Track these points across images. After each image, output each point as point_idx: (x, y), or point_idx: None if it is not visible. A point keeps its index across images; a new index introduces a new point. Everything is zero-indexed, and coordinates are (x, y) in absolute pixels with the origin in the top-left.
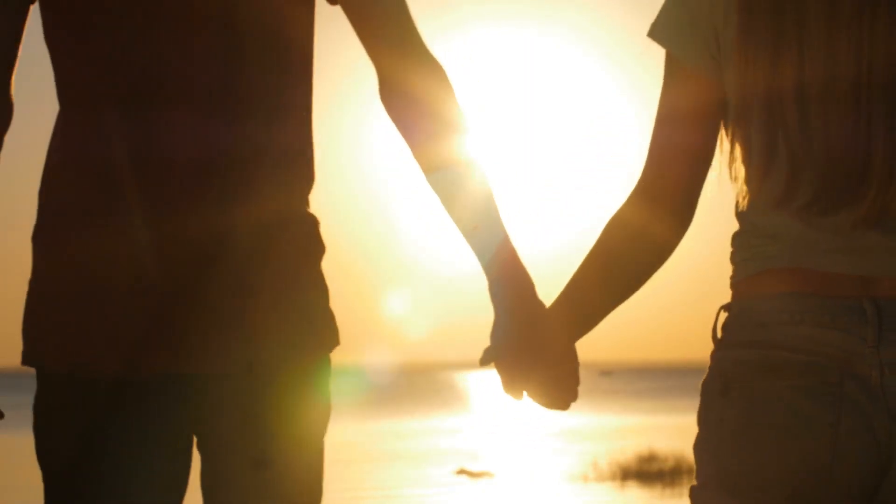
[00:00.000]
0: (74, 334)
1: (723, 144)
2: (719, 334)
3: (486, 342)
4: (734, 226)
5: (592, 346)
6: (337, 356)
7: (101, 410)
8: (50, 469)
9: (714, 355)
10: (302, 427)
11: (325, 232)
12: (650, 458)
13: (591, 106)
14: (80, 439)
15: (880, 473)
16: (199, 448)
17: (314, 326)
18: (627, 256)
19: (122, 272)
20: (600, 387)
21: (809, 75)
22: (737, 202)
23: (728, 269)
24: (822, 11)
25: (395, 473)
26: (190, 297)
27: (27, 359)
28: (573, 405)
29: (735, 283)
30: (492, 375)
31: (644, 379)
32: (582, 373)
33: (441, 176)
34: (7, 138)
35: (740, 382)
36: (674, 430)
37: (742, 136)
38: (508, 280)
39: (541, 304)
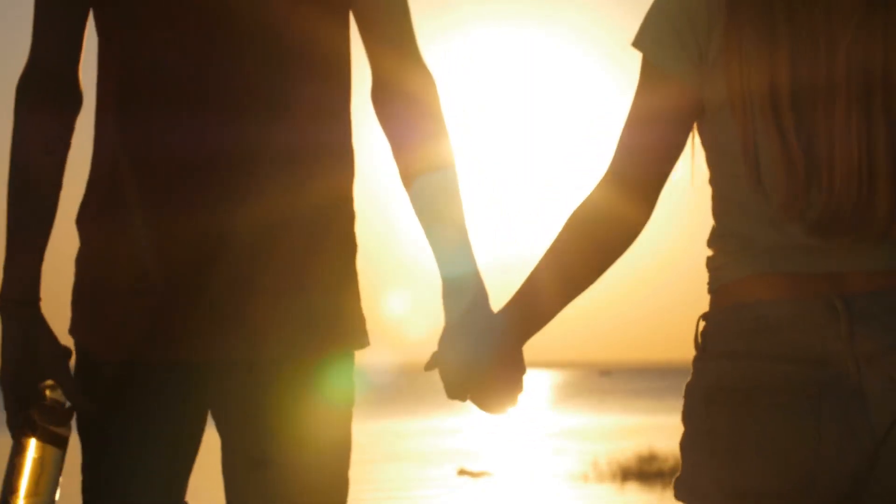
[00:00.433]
0: (86, 328)
1: (693, 148)
2: (699, 342)
3: None
4: None
5: (591, 347)
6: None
7: (103, 405)
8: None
9: (696, 365)
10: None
11: None
12: (650, 458)
13: (592, 106)
14: (83, 431)
15: (866, 471)
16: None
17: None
18: (592, 244)
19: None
20: (599, 387)
21: (801, 81)
22: (712, 207)
23: None
24: (814, 14)
25: (395, 473)
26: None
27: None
28: (573, 405)
29: (712, 290)
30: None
31: (643, 379)
32: (581, 373)
33: (419, 181)
34: (6, 139)
35: (721, 404)
36: (674, 430)
37: (724, 142)
38: (461, 286)
39: (491, 313)
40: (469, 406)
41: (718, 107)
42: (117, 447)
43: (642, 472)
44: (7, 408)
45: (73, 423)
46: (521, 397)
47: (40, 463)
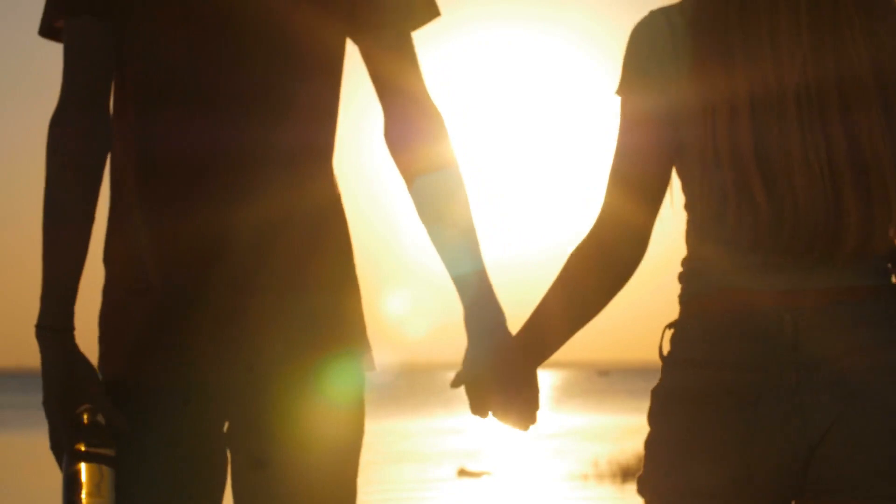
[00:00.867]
0: (102, 346)
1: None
2: (665, 350)
3: None
4: None
5: (591, 347)
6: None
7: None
8: None
9: (663, 370)
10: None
11: None
12: None
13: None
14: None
15: (801, 472)
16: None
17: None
18: (602, 258)
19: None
20: (598, 387)
21: (758, 98)
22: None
23: None
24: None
25: (395, 473)
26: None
27: None
28: (573, 405)
29: (681, 302)
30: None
31: (642, 379)
32: (580, 373)
33: (432, 203)
34: (7, 139)
35: (677, 408)
36: None
37: (693, 176)
38: (483, 312)
39: (509, 334)
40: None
41: (694, 139)
42: (136, 475)
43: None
44: (52, 431)
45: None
46: (538, 414)
47: (95, 484)
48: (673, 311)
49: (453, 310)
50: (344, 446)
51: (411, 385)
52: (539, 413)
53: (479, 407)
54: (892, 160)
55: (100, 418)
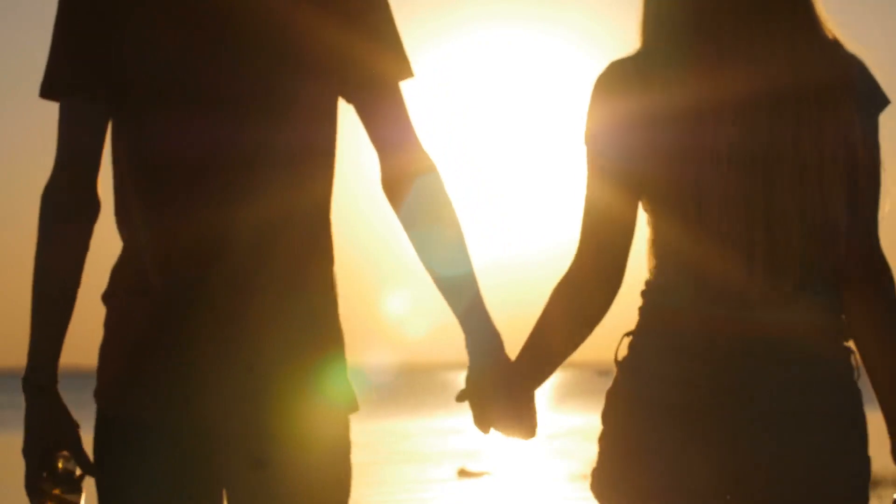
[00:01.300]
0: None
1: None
2: (621, 356)
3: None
4: None
5: (590, 347)
6: None
7: (103, 418)
8: None
9: (619, 374)
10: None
11: None
12: None
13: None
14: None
15: (731, 479)
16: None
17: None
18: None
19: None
20: (598, 387)
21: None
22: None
23: None
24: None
25: (396, 473)
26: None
27: None
28: (573, 405)
29: (640, 315)
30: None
31: None
32: (580, 373)
33: (429, 239)
34: (7, 139)
35: (628, 413)
36: None
37: (661, 210)
38: (482, 337)
39: (506, 357)
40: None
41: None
42: (137, 476)
43: None
44: (28, 474)
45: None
46: (539, 427)
47: None
48: None
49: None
50: (341, 445)
51: (411, 385)
52: (538, 425)
53: (482, 422)
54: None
55: (72, 466)
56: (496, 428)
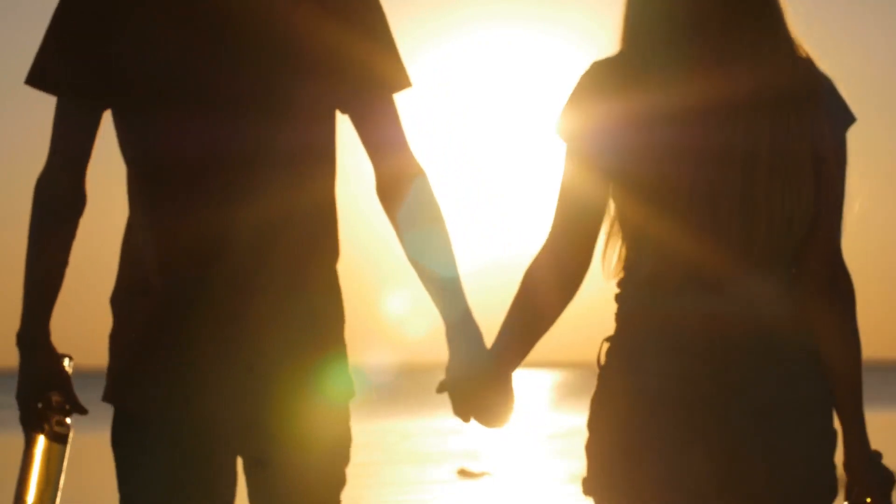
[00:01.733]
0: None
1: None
2: (603, 360)
3: (486, 341)
4: None
5: (591, 347)
6: None
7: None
8: None
9: (601, 380)
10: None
11: None
12: None
13: None
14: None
15: (724, 475)
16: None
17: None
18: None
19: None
20: None
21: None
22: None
23: None
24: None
25: (396, 473)
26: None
27: None
28: (573, 405)
29: (617, 320)
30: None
31: None
32: (580, 373)
33: (417, 237)
34: (7, 139)
35: (615, 416)
36: None
37: (636, 209)
38: (463, 331)
39: (485, 349)
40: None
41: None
42: (139, 474)
43: None
44: (22, 414)
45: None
46: (513, 414)
47: (46, 455)
48: None
49: None
50: (341, 445)
51: (411, 385)
52: (512, 412)
53: (461, 410)
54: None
55: (62, 403)
56: (474, 415)
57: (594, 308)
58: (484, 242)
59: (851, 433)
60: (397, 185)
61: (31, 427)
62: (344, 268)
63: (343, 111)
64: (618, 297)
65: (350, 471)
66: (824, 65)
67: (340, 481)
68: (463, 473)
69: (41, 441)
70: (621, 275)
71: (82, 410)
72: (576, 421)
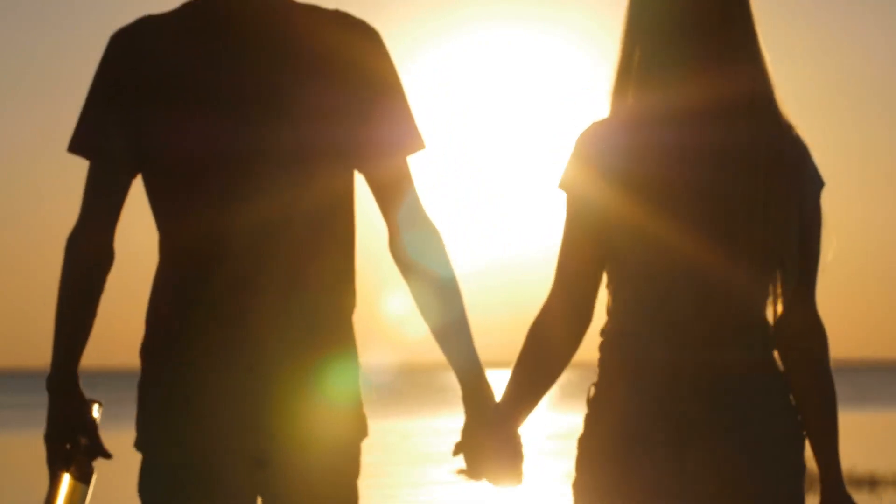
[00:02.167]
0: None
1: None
2: (590, 408)
3: (485, 341)
4: None
5: (591, 347)
6: None
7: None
8: None
9: (590, 424)
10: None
11: None
12: None
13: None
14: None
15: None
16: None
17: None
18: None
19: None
20: None
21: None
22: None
23: None
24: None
25: (395, 473)
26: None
27: None
28: (573, 405)
29: (604, 367)
30: (494, 375)
31: None
32: (580, 373)
33: (432, 308)
34: (7, 139)
35: (608, 458)
36: None
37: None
38: (478, 395)
39: (496, 407)
40: None
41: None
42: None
43: None
44: (48, 453)
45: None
46: (523, 473)
47: (70, 493)
48: None
49: None
50: (343, 446)
51: (411, 385)
52: (522, 471)
53: (474, 470)
54: None
55: (87, 448)
56: (486, 475)
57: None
58: (484, 242)
59: (829, 474)
60: (406, 252)
61: (57, 466)
62: None
63: (359, 171)
64: (601, 347)
65: None
66: (823, 65)
67: (347, 481)
68: (463, 473)
69: (66, 479)
70: (606, 324)
71: (107, 455)
72: (576, 421)
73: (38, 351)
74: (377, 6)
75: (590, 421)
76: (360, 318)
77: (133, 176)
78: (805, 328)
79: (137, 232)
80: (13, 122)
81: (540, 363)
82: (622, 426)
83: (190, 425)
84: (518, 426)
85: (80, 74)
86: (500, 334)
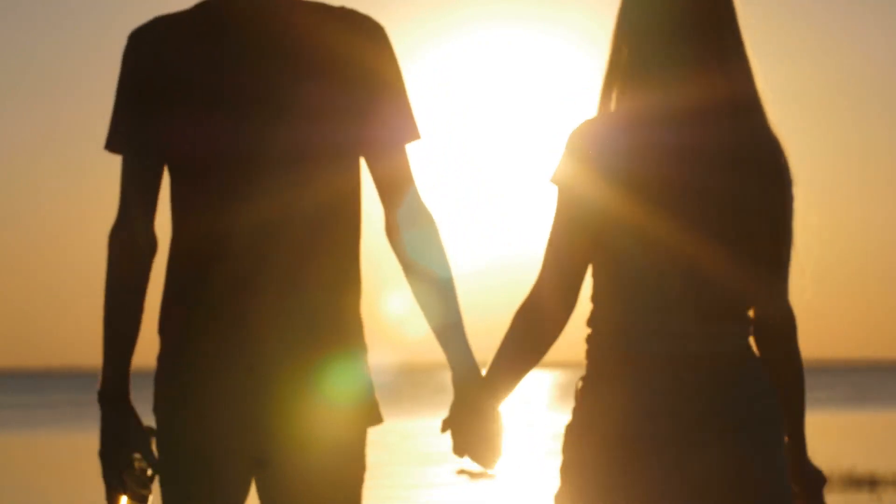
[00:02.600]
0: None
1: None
2: (578, 399)
3: (484, 341)
4: None
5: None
6: None
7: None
8: None
9: (577, 414)
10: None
11: None
12: None
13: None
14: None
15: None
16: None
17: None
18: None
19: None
20: None
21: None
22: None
23: None
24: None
25: (395, 473)
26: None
27: None
28: (573, 405)
29: (591, 359)
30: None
31: None
32: (579, 373)
33: (424, 290)
34: (7, 139)
35: (593, 447)
36: None
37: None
38: (467, 375)
39: (480, 385)
40: None
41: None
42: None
43: None
44: (104, 475)
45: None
46: (506, 452)
47: None
48: None
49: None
50: (344, 446)
51: (411, 385)
52: (501, 448)
53: (459, 446)
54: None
55: (144, 465)
56: (468, 452)
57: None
58: (484, 242)
59: (799, 447)
60: (405, 229)
61: (114, 489)
62: None
63: (361, 155)
64: (590, 337)
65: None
66: (823, 65)
67: (350, 481)
68: (462, 473)
69: (123, 501)
70: (592, 313)
71: (166, 474)
72: None
73: (39, 351)
74: (377, 6)
75: (580, 414)
76: None
77: (162, 168)
78: (783, 319)
79: None
80: (13, 122)
81: (525, 345)
82: (622, 423)
83: (190, 425)
84: (500, 403)
85: (80, 74)
86: (500, 334)
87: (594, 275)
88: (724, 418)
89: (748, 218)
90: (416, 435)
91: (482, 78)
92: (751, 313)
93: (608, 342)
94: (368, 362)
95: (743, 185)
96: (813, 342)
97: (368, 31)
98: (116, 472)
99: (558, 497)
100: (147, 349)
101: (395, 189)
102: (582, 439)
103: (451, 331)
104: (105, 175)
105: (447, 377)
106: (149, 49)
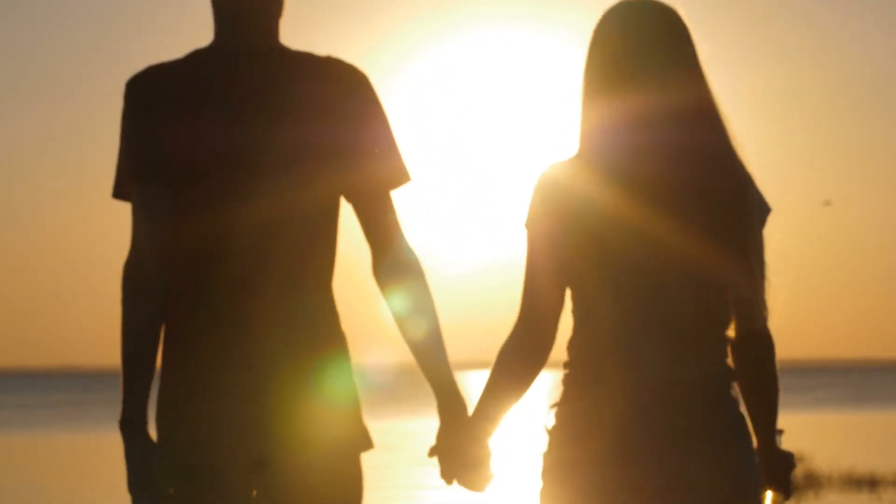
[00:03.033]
0: None
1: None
2: (551, 425)
3: (485, 341)
4: None
5: None
6: None
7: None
8: None
9: (552, 442)
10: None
11: None
12: None
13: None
14: None
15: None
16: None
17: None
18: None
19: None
20: None
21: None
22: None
23: None
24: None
25: (395, 473)
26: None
27: None
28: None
29: (567, 384)
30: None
31: None
32: None
33: (409, 328)
34: (7, 139)
35: (571, 473)
36: None
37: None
38: (451, 405)
39: (468, 417)
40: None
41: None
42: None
43: None
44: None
45: None
46: (491, 478)
47: None
48: None
49: (453, 310)
50: (344, 445)
51: (411, 385)
52: (490, 476)
53: (446, 473)
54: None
55: (172, 490)
56: (456, 478)
57: None
58: (484, 242)
59: (764, 435)
60: (387, 277)
61: None
62: (344, 268)
63: (347, 200)
64: (568, 364)
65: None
66: (823, 65)
67: (348, 482)
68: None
69: None
70: (571, 340)
71: (191, 498)
72: None
73: (39, 351)
74: (378, 6)
75: (563, 436)
76: (360, 318)
77: (170, 197)
78: (760, 337)
79: None
80: (13, 122)
81: (507, 386)
82: (619, 439)
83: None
84: (489, 437)
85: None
86: (500, 334)
87: (573, 311)
88: (695, 433)
89: (717, 238)
90: (416, 435)
91: (482, 78)
92: (730, 332)
93: (588, 366)
94: (367, 362)
95: (708, 214)
96: (813, 342)
97: (352, 79)
98: (147, 498)
99: None
100: None
101: (380, 235)
102: (563, 465)
103: (434, 364)
104: (105, 175)
105: None
106: (147, 96)
